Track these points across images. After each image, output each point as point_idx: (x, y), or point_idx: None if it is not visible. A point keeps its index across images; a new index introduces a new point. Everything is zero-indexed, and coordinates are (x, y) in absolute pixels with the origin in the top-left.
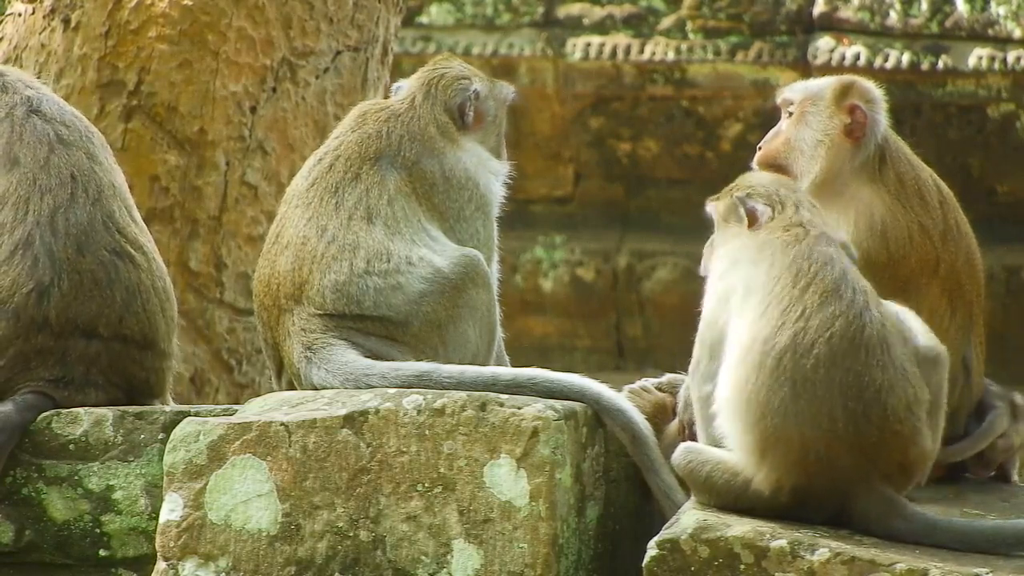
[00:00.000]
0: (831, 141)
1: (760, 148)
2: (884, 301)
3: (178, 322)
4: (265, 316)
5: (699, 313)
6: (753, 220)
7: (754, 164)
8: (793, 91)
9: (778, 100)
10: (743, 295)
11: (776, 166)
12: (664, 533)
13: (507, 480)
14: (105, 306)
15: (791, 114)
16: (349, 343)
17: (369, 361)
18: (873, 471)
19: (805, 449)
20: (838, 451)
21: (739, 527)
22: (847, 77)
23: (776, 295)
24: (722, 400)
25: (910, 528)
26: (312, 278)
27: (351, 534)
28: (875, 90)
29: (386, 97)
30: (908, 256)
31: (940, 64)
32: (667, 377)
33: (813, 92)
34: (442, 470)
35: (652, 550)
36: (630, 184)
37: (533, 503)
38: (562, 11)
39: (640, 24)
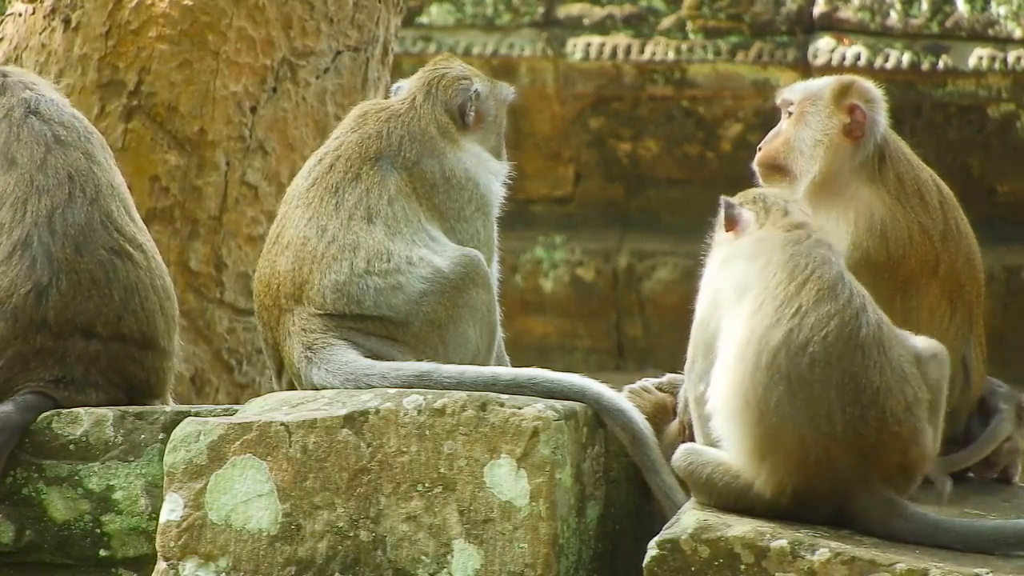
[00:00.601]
0: (830, 141)
1: (760, 149)
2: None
3: (179, 321)
4: (265, 316)
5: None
6: (732, 225)
7: (754, 165)
8: (793, 91)
9: (778, 101)
10: (739, 292)
11: (776, 166)
12: (664, 533)
13: (507, 480)
14: (103, 305)
15: (791, 114)
16: (349, 343)
17: (369, 361)
18: (873, 473)
19: (805, 451)
20: (837, 453)
21: (739, 527)
22: (847, 77)
23: (771, 291)
24: (718, 400)
25: (911, 528)
26: (312, 278)
27: (351, 534)
28: (875, 90)
29: (386, 97)
30: (908, 256)
31: (940, 64)
32: (667, 377)
33: (812, 92)
34: (442, 470)
35: (652, 550)
36: (630, 184)
37: (533, 503)
38: (562, 11)
39: (640, 24)
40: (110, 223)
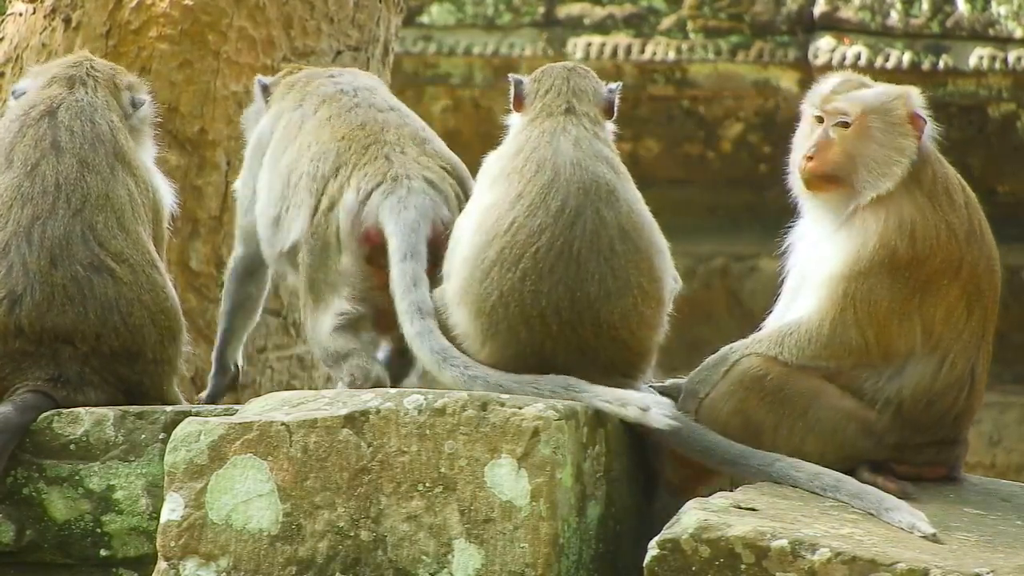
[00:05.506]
0: (904, 157)
1: (811, 158)
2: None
3: (182, 327)
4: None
5: (703, 314)
6: (519, 104)
7: (800, 173)
8: (850, 102)
9: (822, 107)
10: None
11: (830, 177)
12: (665, 533)
13: (508, 480)
14: (79, 321)
15: (845, 125)
16: None
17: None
18: (592, 366)
19: (520, 345)
20: (554, 349)
21: (740, 527)
22: (903, 88)
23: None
24: (451, 286)
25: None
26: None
27: (352, 534)
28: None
29: None
30: (933, 255)
31: (941, 64)
32: (670, 382)
33: (877, 106)
34: (443, 470)
35: (653, 550)
36: None
37: (534, 503)
38: (563, 11)
39: (641, 24)
40: (92, 237)
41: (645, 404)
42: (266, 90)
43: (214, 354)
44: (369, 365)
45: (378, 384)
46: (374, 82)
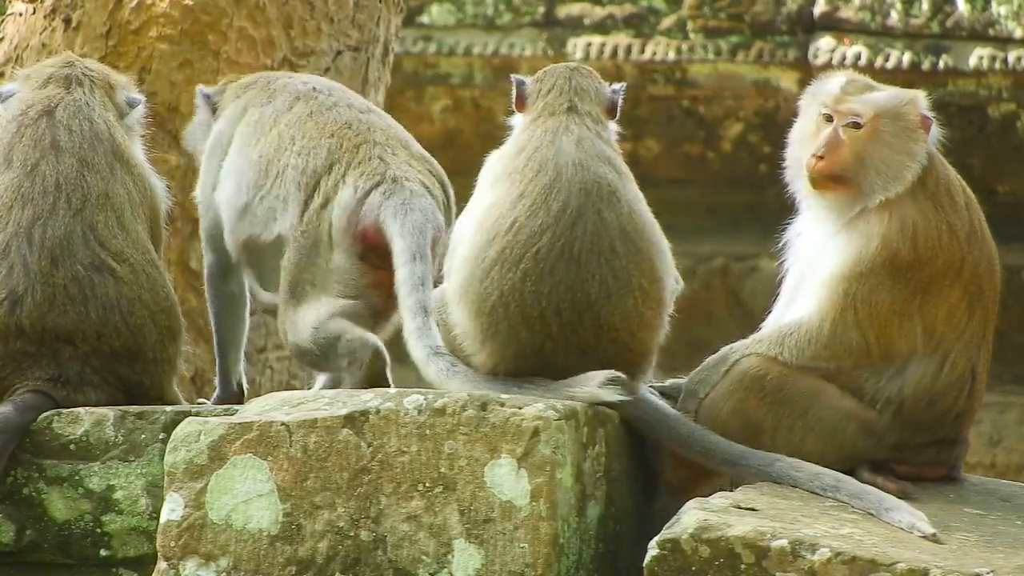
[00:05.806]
0: (914, 161)
1: (822, 157)
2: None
3: (181, 327)
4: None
5: (703, 314)
6: (521, 104)
7: (808, 172)
8: (863, 103)
9: (833, 107)
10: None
11: (838, 177)
12: (665, 533)
13: (508, 480)
14: (80, 321)
15: (857, 126)
16: None
17: None
18: (592, 366)
19: (521, 345)
20: (554, 349)
21: (740, 527)
22: (911, 91)
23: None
24: (451, 286)
25: (641, 411)
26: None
27: (352, 534)
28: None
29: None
30: (936, 257)
31: (941, 64)
32: (670, 382)
33: (889, 109)
34: (443, 470)
35: (653, 550)
36: None
37: (534, 503)
38: (563, 11)
39: (641, 24)
40: (93, 237)
41: (599, 381)
42: (209, 99)
43: (217, 373)
44: (364, 335)
45: (378, 352)
46: (338, 84)
